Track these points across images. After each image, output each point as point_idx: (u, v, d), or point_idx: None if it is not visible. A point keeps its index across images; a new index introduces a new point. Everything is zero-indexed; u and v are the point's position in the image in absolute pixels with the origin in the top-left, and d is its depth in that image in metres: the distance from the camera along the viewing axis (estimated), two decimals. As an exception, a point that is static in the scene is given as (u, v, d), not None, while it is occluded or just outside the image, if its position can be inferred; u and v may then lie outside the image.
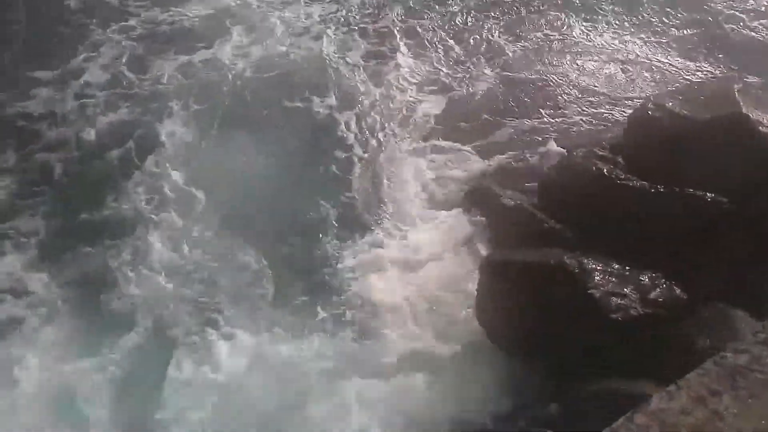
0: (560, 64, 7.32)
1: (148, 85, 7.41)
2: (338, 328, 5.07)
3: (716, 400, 1.37)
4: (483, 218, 5.58)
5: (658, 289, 4.66)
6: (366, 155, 6.50)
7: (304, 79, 7.40)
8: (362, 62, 7.67)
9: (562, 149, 5.95)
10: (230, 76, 7.51)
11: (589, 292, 4.51)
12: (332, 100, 7.09)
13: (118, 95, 7.29)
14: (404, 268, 5.48)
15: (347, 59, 7.70)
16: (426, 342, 4.90)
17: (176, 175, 6.37)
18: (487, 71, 7.33)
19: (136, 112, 7.05)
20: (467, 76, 7.35)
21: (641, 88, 6.76)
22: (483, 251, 5.22)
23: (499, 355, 4.55)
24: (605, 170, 5.37)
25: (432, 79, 7.36)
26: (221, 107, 7.14)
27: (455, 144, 6.49)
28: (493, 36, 7.90)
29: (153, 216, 5.99)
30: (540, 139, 6.36)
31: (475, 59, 7.55)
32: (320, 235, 5.79)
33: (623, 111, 6.34)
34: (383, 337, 4.93)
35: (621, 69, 7.09)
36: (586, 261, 4.75)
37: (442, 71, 7.45)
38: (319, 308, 5.23)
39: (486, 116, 6.69)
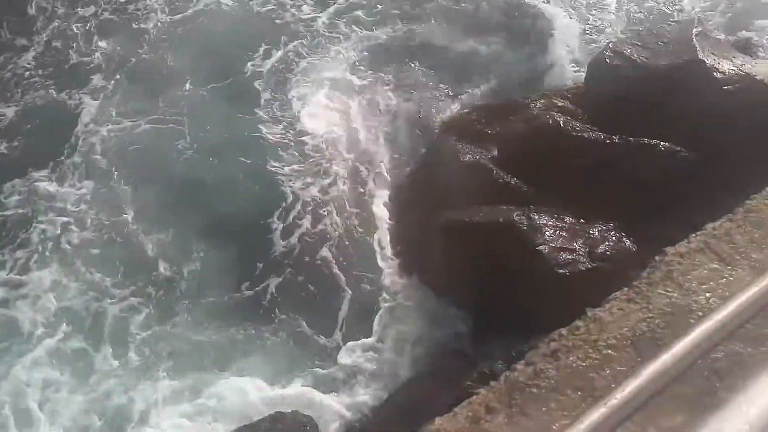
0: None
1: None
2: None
3: (490, 418, 1.45)
4: (441, 175, 5.56)
5: (608, 242, 4.70)
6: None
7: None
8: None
9: (521, 99, 5.84)
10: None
11: (538, 249, 4.57)
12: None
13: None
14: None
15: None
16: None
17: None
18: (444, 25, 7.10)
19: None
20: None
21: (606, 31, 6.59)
22: (439, 211, 5.23)
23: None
24: (561, 122, 5.32)
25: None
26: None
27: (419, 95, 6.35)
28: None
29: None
30: (500, 90, 6.26)
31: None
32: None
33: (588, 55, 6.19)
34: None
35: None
36: (537, 217, 4.78)
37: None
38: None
39: (447, 70, 6.57)
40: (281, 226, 5.68)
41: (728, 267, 2.18)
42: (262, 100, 6.67)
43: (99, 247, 5.49)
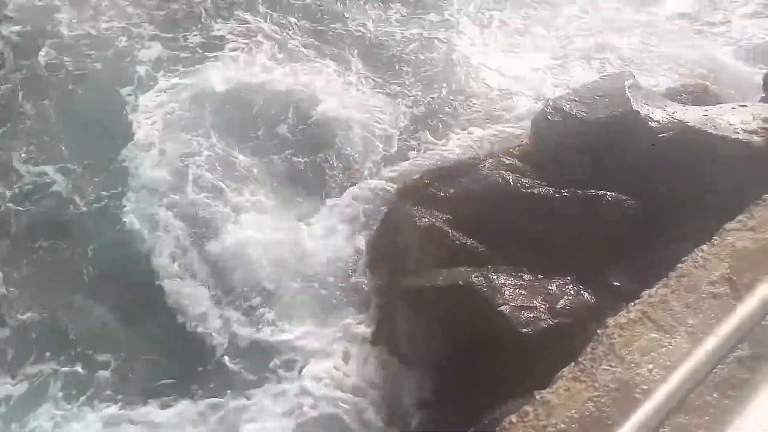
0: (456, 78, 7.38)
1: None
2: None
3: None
4: (399, 241, 5.60)
5: (567, 296, 4.75)
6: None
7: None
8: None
9: (471, 160, 5.98)
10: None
11: (499, 309, 4.58)
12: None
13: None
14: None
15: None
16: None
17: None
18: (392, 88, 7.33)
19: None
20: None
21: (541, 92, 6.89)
22: (399, 277, 5.25)
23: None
24: (511, 180, 5.45)
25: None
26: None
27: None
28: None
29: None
30: (448, 154, 6.42)
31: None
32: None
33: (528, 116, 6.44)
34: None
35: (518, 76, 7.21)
36: (495, 277, 4.82)
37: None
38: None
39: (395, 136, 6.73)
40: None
41: (667, 335, 2.21)
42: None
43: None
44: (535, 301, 4.65)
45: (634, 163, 5.14)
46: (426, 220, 5.56)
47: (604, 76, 6.09)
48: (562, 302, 4.65)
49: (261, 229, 6.06)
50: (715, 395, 1.90)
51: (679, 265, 2.55)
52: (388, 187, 6.28)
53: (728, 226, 2.72)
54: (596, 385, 2.13)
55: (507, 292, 4.69)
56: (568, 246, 5.01)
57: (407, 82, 7.62)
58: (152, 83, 7.51)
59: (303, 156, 6.76)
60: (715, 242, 2.65)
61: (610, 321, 2.38)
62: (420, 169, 6.29)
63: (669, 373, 1.94)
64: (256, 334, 5.41)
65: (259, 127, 7.09)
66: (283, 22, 8.39)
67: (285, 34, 8.20)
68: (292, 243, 5.94)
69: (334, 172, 6.63)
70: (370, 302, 5.52)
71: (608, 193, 5.11)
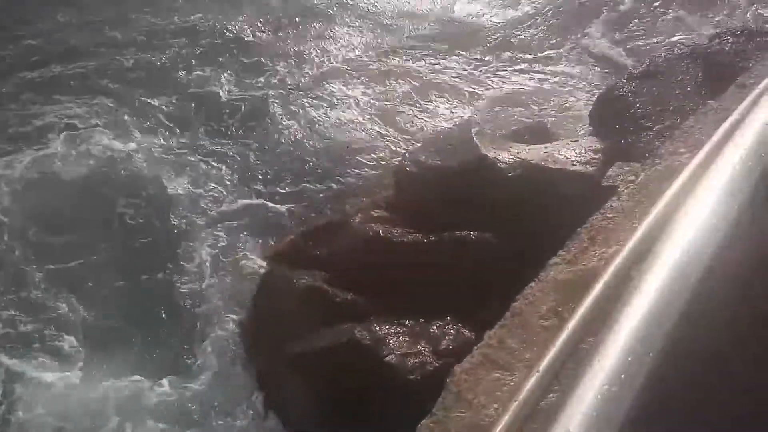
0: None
1: None
2: None
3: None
4: (277, 306, 5.52)
5: (448, 337, 4.91)
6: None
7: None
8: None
9: (341, 217, 6.11)
10: None
11: (385, 360, 4.62)
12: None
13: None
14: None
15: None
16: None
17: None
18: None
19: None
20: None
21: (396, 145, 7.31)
22: (282, 344, 5.14)
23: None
24: (381, 231, 5.62)
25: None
26: None
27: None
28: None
29: None
30: (314, 211, 6.55)
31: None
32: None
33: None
34: None
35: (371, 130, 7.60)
36: (378, 328, 4.89)
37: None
38: None
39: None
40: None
41: (507, 373, 2.36)
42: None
43: None
44: (419, 346, 4.76)
45: (491, 203, 5.52)
46: (304, 281, 5.55)
47: (453, 126, 6.55)
48: (444, 342, 4.80)
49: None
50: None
51: (513, 303, 2.76)
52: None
53: (551, 261, 2.99)
54: None
55: (391, 342, 4.76)
56: (444, 287, 5.20)
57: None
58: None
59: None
60: (542, 278, 2.89)
61: (457, 368, 2.50)
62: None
63: (506, 408, 2.07)
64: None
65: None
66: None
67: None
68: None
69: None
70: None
71: (471, 233, 5.42)
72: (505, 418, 1.96)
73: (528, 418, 2.00)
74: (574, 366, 2.13)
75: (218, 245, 6.44)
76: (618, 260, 2.57)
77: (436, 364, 4.66)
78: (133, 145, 7.50)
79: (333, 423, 4.62)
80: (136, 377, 5.36)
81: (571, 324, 2.27)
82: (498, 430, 1.91)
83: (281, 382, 4.98)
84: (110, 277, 6.16)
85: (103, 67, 8.72)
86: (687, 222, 2.54)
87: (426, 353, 4.72)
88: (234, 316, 5.71)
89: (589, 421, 1.74)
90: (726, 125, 3.25)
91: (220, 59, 8.95)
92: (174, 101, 8.18)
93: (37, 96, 8.21)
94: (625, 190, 3.28)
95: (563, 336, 2.24)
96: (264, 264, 6.10)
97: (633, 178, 3.42)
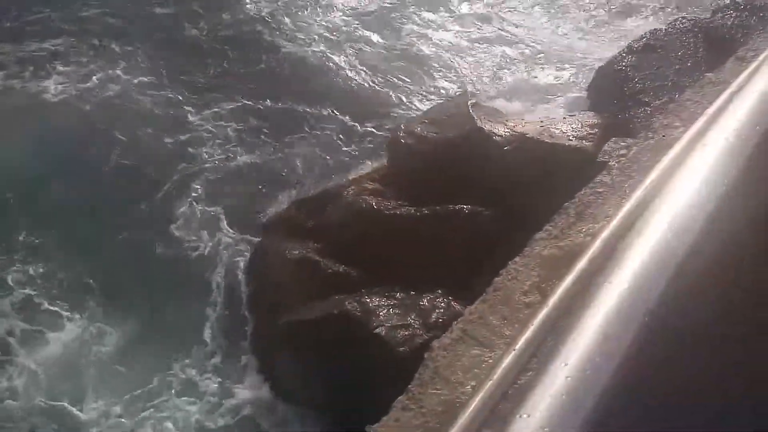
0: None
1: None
2: None
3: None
4: (270, 276, 5.51)
5: (438, 310, 4.90)
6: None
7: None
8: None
9: (335, 188, 6.06)
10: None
11: (375, 332, 4.63)
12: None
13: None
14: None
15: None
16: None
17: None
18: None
19: None
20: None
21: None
22: (274, 314, 5.15)
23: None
24: (374, 203, 5.57)
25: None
26: None
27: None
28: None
29: None
30: (312, 180, 6.49)
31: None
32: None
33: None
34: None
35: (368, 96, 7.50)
36: (369, 300, 4.88)
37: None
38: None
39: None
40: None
41: (487, 350, 2.32)
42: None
43: None
44: (409, 319, 4.75)
45: (485, 176, 5.47)
46: (296, 252, 5.53)
47: (449, 98, 6.45)
48: (434, 316, 4.80)
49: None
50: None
51: (496, 278, 2.69)
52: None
53: (537, 236, 2.92)
54: (423, 411, 2.17)
55: (381, 314, 4.76)
56: (435, 261, 5.18)
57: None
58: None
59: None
60: (526, 253, 2.82)
61: (435, 343, 2.44)
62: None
63: (482, 385, 2.02)
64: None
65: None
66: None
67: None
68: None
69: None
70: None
71: (465, 207, 5.38)
72: (479, 397, 1.92)
73: (502, 397, 1.96)
74: (553, 343, 2.09)
75: (212, 208, 6.40)
76: (605, 235, 2.52)
77: (426, 337, 4.65)
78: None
79: (322, 393, 4.65)
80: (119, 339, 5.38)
81: (552, 300, 2.22)
82: (471, 408, 1.88)
83: (273, 351, 5.00)
84: (98, 236, 6.16)
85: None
86: (675, 196, 2.49)
87: (416, 326, 4.72)
88: (226, 282, 5.70)
89: (558, 403, 1.70)
90: (722, 98, 3.17)
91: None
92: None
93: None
94: (616, 164, 3.21)
95: (543, 312, 2.19)
96: (258, 233, 6.06)
97: (624, 152, 3.35)
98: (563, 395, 1.72)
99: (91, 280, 5.77)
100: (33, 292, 5.64)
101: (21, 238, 6.01)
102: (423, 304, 4.92)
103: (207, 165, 6.81)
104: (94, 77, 7.72)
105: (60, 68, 7.79)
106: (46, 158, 6.70)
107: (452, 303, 4.96)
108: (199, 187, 6.59)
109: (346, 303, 4.74)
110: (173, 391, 5.04)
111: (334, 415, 4.63)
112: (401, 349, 4.54)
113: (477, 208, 5.38)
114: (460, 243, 5.27)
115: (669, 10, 8.95)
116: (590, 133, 5.73)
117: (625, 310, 1.94)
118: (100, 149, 6.91)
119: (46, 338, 5.34)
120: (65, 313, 5.51)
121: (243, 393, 4.98)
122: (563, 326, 2.11)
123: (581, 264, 2.40)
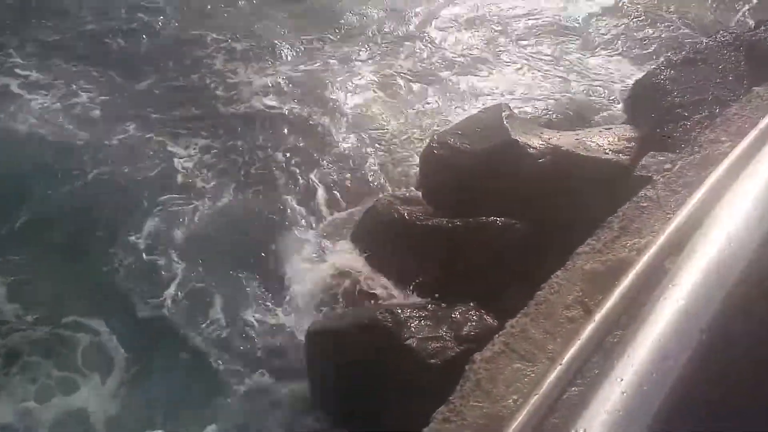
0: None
1: None
2: None
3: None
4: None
5: (470, 323, 4.84)
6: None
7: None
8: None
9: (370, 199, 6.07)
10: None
11: (405, 343, 4.59)
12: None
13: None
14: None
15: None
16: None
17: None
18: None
19: None
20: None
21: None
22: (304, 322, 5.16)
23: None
24: (406, 214, 5.56)
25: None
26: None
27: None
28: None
29: None
30: (341, 192, 6.50)
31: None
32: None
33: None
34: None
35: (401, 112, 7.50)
36: (400, 311, 4.84)
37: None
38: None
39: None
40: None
41: (529, 364, 2.29)
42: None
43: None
44: (440, 331, 4.70)
45: (518, 188, 5.41)
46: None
47: (483, 109, 6.42)
48: (466, 329, 4.74)
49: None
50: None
51: (538, 292, 2.66)
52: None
53: (579, 250, 2.88)
54: (465, 423, 2.15)
55: (413, 325, 4.71)
56: (468, 273, 5.15)
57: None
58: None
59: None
60: (568, 267, 2.79)
61: (477, 356, 2.42)
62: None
63: (527, 400, 1.99)
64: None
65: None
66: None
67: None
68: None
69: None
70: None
71: (497, 219, 5.33)
72: (525, 411, 1.88)
73: (549, 411, 1.93)
74: (601, 360, 2.04)
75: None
76: (651, 251, 2.47)
77: (458, 350, 4.60)
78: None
79: (351, 403, 4.62)
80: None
81: (599, 315, 2.18)
82: (517, 422, 1.84)
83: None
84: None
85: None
86: (727, 214, 2.42)
87: (447, 338, 4.66)
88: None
89: (613, 419, 1.67)
90: (772, 114, 3.09)
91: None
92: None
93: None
94: (661, 179, 3.15)
95: (590, 328, 2.15)
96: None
97: (669, 166, 3.29)
98: (620, 411, 1.68)
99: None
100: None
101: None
102: (455, 317, 4.86)
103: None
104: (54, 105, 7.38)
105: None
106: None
107: (485, 316, 4.90)
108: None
109: (378, 313, 4.71)
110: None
111: (360, 424, 4.58)
112: (432, 361, 4.49)
113: (509, 221, 5.33)
114: (491, 255, 5.22)
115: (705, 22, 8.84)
116: (627, 147, 5.64)
117: (681, 327, 1.88)
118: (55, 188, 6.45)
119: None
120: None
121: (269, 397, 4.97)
122: (613, 342, 2.07)
123: (628, 279, 2.35)
